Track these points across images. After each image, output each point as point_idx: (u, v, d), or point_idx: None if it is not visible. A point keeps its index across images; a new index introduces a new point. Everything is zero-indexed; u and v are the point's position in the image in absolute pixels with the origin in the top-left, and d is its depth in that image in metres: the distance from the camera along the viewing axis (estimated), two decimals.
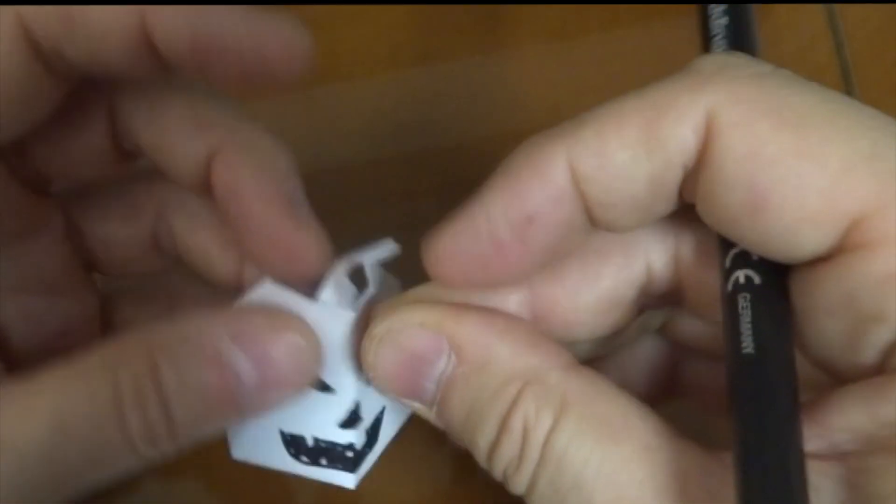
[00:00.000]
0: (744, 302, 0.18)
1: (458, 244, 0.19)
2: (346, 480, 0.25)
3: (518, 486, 0.19)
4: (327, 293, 0.23)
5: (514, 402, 0.18)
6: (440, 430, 0.21)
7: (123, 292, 0.27)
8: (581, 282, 0.20)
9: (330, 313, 0.22)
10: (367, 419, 0.24)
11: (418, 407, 0.21)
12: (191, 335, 0.20)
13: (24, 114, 0.20)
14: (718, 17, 0.22)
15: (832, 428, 0.17)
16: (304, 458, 0.24)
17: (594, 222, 0.19)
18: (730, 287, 0.18)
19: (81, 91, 0.22)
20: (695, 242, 0.20)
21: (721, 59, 0.18)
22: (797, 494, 0.16)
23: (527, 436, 0.18)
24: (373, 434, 0.25)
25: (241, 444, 0.24)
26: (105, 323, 0.26)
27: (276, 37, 0.20)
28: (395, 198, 0.33)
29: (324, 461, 0.24)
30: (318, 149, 0.34)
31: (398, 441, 0.26)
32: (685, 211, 0.19)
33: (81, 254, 0.25)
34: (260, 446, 0.24)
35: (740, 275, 0.18)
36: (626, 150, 0.17)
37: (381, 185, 0.34)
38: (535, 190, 0.18)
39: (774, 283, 0.18)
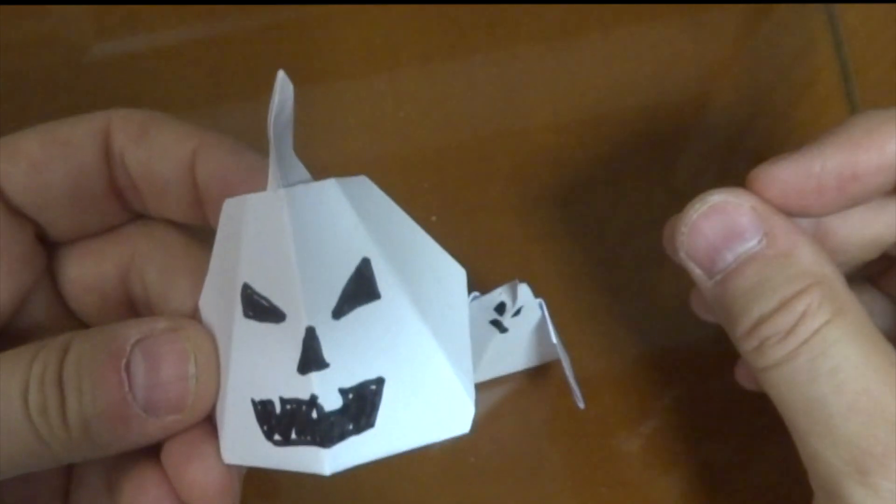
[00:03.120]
0: None
1: (789, 174, 0.23)
2: (317, 460, 0.20)
3: (772, 355, 0.23)
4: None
5: (803, 290, 0.22)
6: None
7: None
8: (860, 223, 0.25)
9: (269, 199, 0.20)
10: (341, 371, 0.20)
11: (698, 274, 0.24)
12: (106, 331, 0.21)
13: (83, 210, 0.24)
14: None
15: None
16: (277, 437, 0.21)
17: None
18: None
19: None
20: None
21: None
22: None
23: (804, 318, 0.22)
24: (359, 407, 0.20)
25: (229, 442, 0.22)
26: None
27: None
28: (395, 197, 0.33)
29: (294, 435, 0.20)
30: (317, 148, 0.34)
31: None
32: None
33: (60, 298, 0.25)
34: (243, 436, 0.21)
35: None
36: None
37: (380, 184, 0.33)
38: (870, 157, 0.23)
39: None
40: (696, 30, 0.36)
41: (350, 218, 0.21)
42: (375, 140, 0.34)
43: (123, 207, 0.25)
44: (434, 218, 0.33)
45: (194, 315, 0.23)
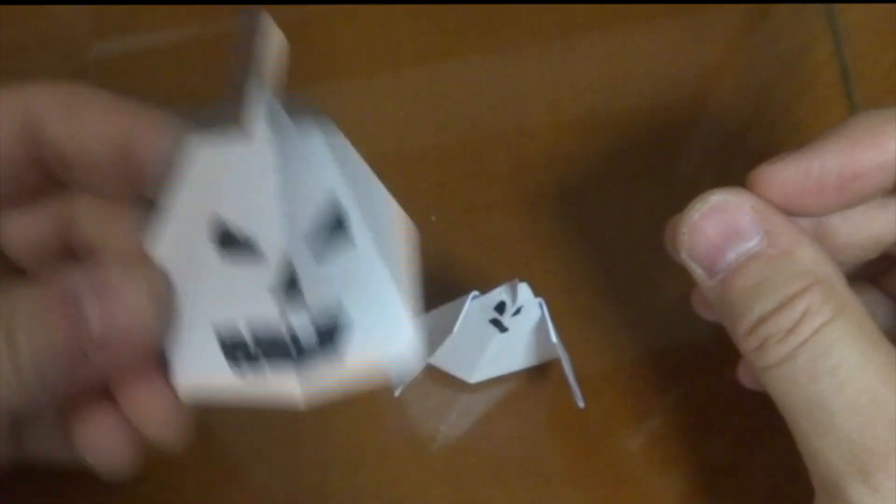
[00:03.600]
0: None
1: (789, 174, 0.23)
2: (290, 388, 0.21)
3: (773, 355, 0.23)
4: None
5: (804, 289, 0.22)
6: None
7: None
8: (861, 222, 0.25)
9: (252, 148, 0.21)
10: (312, 301, 0.21)
11: (700, 273, 0.24)
12: (46, 280, 0.21)
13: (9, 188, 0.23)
14: None
15: None
16: (245, 364, 0.21)
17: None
18: None
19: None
20: None
21: None
22: None
23: (804, 318, 0.22)
24: (328, 334, 0.21)
25: (188, 372, 0.21)
26: None
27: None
28: (395, 196, 0.33)
29: (265, 361, 0.21)
30: None
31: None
32: None
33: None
34: (205, 368, 0.21)
35: None
36: None
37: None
38: (870, 156, 0.23)
39: None
40: (696, 30, 0.36)
41: (331, 170, 0.23)
42: (375, 140, 0.34)
43: (50, 179, 0.24)
44: (434, 217, 0.33)
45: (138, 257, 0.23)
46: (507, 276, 0.28)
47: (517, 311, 0.28)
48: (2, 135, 0.23)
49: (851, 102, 0.35)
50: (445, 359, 0.29)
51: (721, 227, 0.23)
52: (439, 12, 0.36)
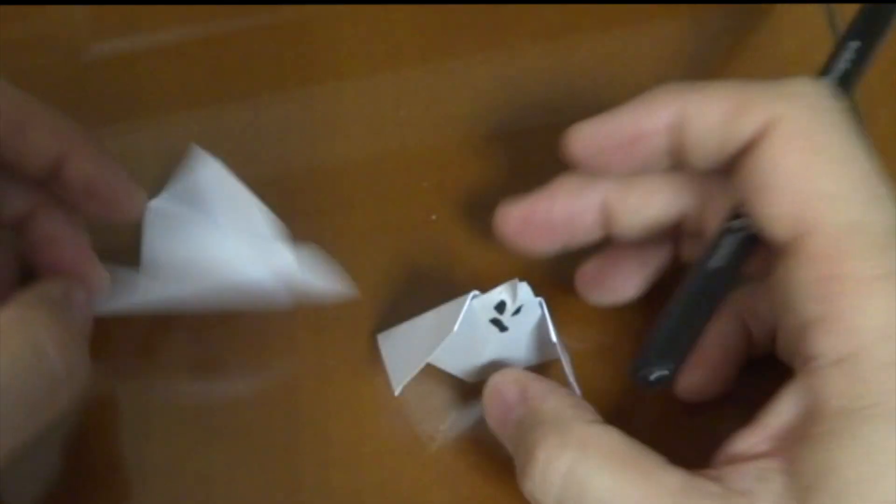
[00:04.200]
0: (728, 238, 0.26)
1: (588, 133, 0.27)
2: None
3: None
4: None
5: (541, 441, 0.25)
6: None
7: None
8: (639, 204, 0.28)
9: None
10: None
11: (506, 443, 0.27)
12: (57, 284, 0.27)
13: None
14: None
15: (773, 429, 0.24)
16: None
17: (675, 155, 0.26)
18: (727, 225, 0.26)
19: None
20: (721, 199, 0.27)
21: (806, 86, 0.25)
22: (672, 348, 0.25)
23: (547, 466, 0.24)
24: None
25: None
26: None
27: (133, 190, 0.29)
28: (396, 196, 0.33)
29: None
30: (317, 148, 0.34)
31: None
32: (718, 182, 0.27)
33: None
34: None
35: (735, 224, 0.26)
36: (718, 115, 0.25)
37: (380, 184, 0.34)
38: (647, 122, 0.26)
39: (754, 239, 0.26)
40: (696, 30, 0.36)
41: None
42: (375, 140, 0.34)
43: None
44: (434, 217, 0.33)
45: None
46: (507, 276, 0.28)
47: (517, 311, 0.28)
48: None
49: (851, 102, 0.35)
50: (445, 358, 0.29)
51: (498, 403, 0.27)
52: (439, 12, 0.36)
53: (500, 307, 0.28)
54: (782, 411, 0.24)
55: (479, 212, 0.33)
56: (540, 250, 0.29)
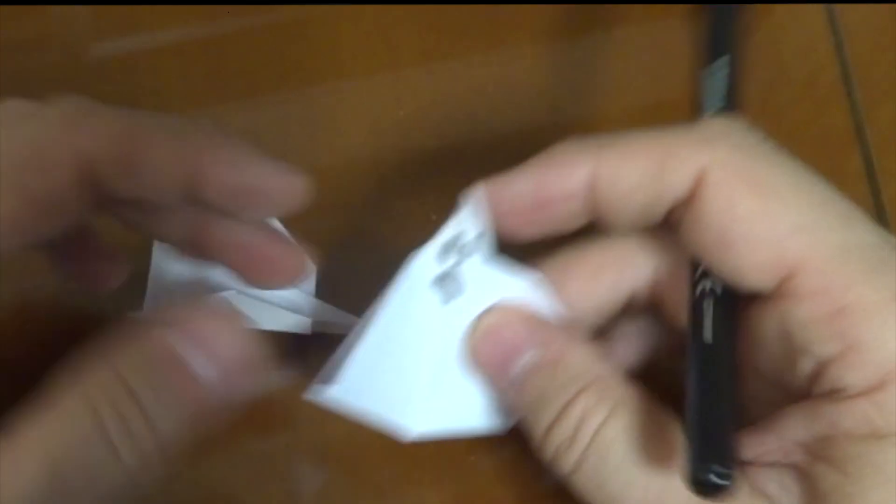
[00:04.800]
0: (707, 304, 0.24)
1: (497, 194, 0.24)
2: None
3: (566, 463, 0.24)
4: None
5: (578, 394, 0.23)
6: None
7: None
8: (583, 290, 0.26)
9: None
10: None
11: (500, 388, 0.25)
12: (149, 348, 0.21)
13: (57, 226, 0.23)
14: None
15: (785, 442, 0.23)
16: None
17: (594, 218, 0.24)
18: (697, 292, 0.24)
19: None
20: (670, 266, 0.25)
21: (724, 126, 0.24)
22: (730, 437, 0.22)
23: (582, 422, 0.23)
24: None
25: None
26: None
27: (288, 178, 0.24)
28: (396, 197, 0.33)
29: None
30: (318, 148, 0.34)
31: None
32: (663, 240, 0.25)
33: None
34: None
35: (706, 284, 0.24)
36: (637, 175, 0.23)
37: (381, 184, 0.34)
38: (558, 185, 0.24)
39: (730, 294, 0.24)
40: (696, 30, 0.36)
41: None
42: (375, 140, 0.34)
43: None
44: (434, 217, 0.33)
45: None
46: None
47: (468, 253, 0.24)
48: (62, 187, 0.22)
49: (851, 102, 0.35)
50: (360, 394, 0.23)
51: (499, 349, 0.24)
52: (439, 12, 0.36)
53: (447, 249, 0.24)
54: (792, 427, 0.23)
55: None
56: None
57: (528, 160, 0.24)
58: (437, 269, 0.23)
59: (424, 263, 0.23)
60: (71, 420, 0.20)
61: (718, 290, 0.24)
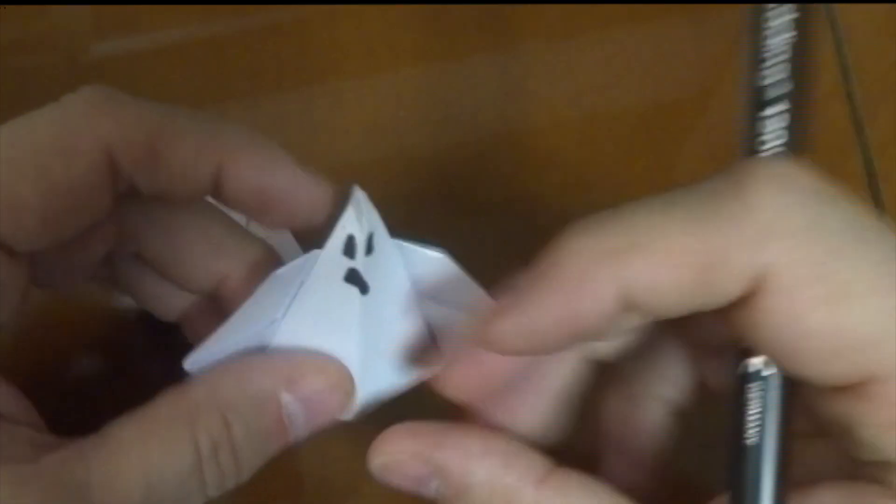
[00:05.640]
0: (755, 391, 0.20)
1: (509, 330, 0.21)
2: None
3: None
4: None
5: None
6: None
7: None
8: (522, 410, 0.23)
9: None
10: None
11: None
12: (253, 389, 0.22)
13: (80, 222, 0.23)
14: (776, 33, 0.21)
15: None
16: None
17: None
18: (740, 372, 0.20)
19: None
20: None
21: (785, 202, 0.19)
22: None
23: None
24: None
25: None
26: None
27: (314, 189, 0.23)
28: (396, 197, 0.33)
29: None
30: (318, 148, 0.34)
31: None
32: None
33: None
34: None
35: (753, 365, 0.20)
36: (677, 289, 0.19)
37: (380, 184, 0.33)
38: (587, 308, 0.19)
39: (782, 379, 0.20)
40: (696, 30, 0.36)
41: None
42: (375, 140, 0.34)
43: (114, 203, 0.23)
44: (435, 217, 0.33)
45: (224, 281, 0.25)
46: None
47: (369, 248, 0.22)
48: (86, 185, 0.22)
49: (851, 102, 0.35)
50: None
51: (404, 481, 0.22)
52: (439, 12, 0.36)
53: (350, 247, 0.22)
54: (825, 501, 0.20)
55: (479, 212, 0.33)
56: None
57: (529, 273, 0.21)
58: (345, 265, 0.22)
59: (330, 261, 0.22)
60: (172, 449, 0.21)
61: (767, 373, 0.20)
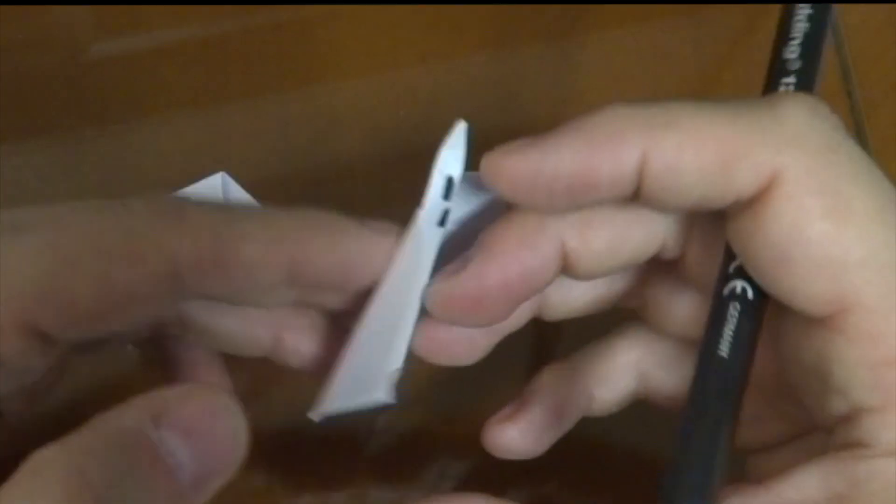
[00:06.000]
0: (733, 310, 0.21)
1: (519, 168, 0.21)
2: None
3: None
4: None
5: None
6: None
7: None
8: (606, 247, 0.22)
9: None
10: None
11: None
12: (110, 429, 0.19)
13: (136, 323, 0.22)
14: (801, 21, 0.25)
15: (790, 501, 0.20)
16: None
17: (629, 199, 0.21)
18: (726, 292, 0.21)
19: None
20: (705, 239, 0.23)
21: (805, 120, 0.21)
22: (715, 470, 0.20)
23: None
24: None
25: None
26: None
27: (385, 242, 0.23)
28: (396, 197, 0.33)
29: None
30: (318, 148, 0.34)
31: None
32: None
33: None
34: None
35: (738, 285, 0.21)
36: (699, 169, 0.20)
37: (380, 184, 0.34)
38: (606, 167, 0.20)
39: (761, 303, 0.21)
40: (696, 30, 0.36)
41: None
42: (375, 140, 0.34)
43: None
44: None
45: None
46: None
47: (448, 191, 0.23)
48: (151, 299, 0.21)
49: (851, 102, 0.35)
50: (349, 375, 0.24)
51: None
52: (439, 12, 0.36)
53: (449, 189, 0.23)
54: (805, 486, 0.20)
55: None
56: (495, 322, 0.23)
57: (564, 123, 0.21)
58: (443, 207, 0.24)
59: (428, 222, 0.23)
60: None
61: (750, 295, 0.21)
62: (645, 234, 0.23)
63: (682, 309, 0.24)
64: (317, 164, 0.34)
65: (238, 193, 0.29)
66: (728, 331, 0.21)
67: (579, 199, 0.21)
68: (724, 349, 0.21)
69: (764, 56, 0.36)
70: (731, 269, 0.21)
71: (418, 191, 0.33)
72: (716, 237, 0.22)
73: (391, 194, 0.33)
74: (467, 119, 0.34)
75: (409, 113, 0.35)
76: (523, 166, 0.21)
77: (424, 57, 0.35)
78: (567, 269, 0.23)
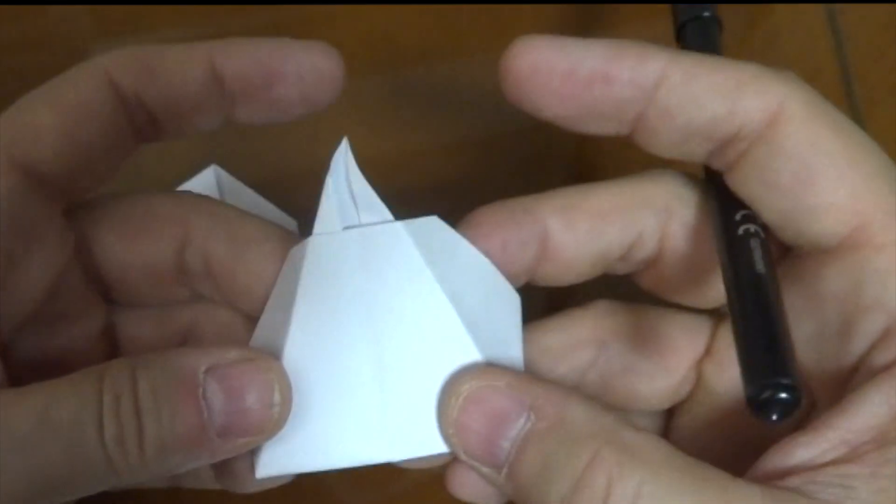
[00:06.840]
0: (753, 244, 0.22)
1: (549, 49, 0.22)
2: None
3: None
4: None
5: (594, 458, 0.19)
6: None
7: (134, 315, 0.26)
8: (587, 237, 0.24)
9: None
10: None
11: (486, 471, 0.21)
12: (172, 359, 0.21)
13: (105, 163, 0.24)
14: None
15: (847, 432, 0.20)
16: None
17: (633, 122, 0.23)
18: (740, 232, 0.22)
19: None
20: (684, 221, 0.24)
21: (801, 83, 0.22)
22: (791, 353, 0.20)
23: (611, 491, 0.19)
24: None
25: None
26: (111, 344, 0.26)
27: (324, 62, 0.24)
28: (396, 197, 0.33)
29: None
30: (317, 148, 0.34)
31: None
32: (678, 197, 0.24)
33: (92, 278, 0.24)
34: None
35: (750, 227, 0.22)
36: (712, 90, 0.21)
37: (380, 183, 0.34)
38: (629, 67, 0.22)
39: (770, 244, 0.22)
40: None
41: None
42: (375, 140, 0.34)
43: (144, 141, 0.25)
44: (435, 217, 0.33)
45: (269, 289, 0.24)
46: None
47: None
48: (102, 115, 0.23)
49: (851, 102, 0.35)
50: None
51: (485, 419, 0.20)
52: (439, 12, 0.36)
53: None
54: (859, 413, 0.20)
55: None
56: None
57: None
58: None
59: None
60: (74, 386, 0.20)
61: (762, 235, 0.22)
62: (624, 225, 0.24)
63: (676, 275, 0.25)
64: (317, 165, 0.34)
65: (232, 185, 0.29)
66: (757, 256, 0.21)
67: (592, 95, 0.22)
68: (760, 267, 0.21)
69: (764, 56, 0.36)
70: (738, 217, 0.22)
71: (418, 190, 0.34)
72: (696, 232, 0.23)
73: (391, 194, 0.33)
74: (467, 119, 0.35)
75: (408, 113, 0.35)
76: (551, 53, 0.22)
77: (424, 57, 0.35)
78: (547, 255, 0.24)
